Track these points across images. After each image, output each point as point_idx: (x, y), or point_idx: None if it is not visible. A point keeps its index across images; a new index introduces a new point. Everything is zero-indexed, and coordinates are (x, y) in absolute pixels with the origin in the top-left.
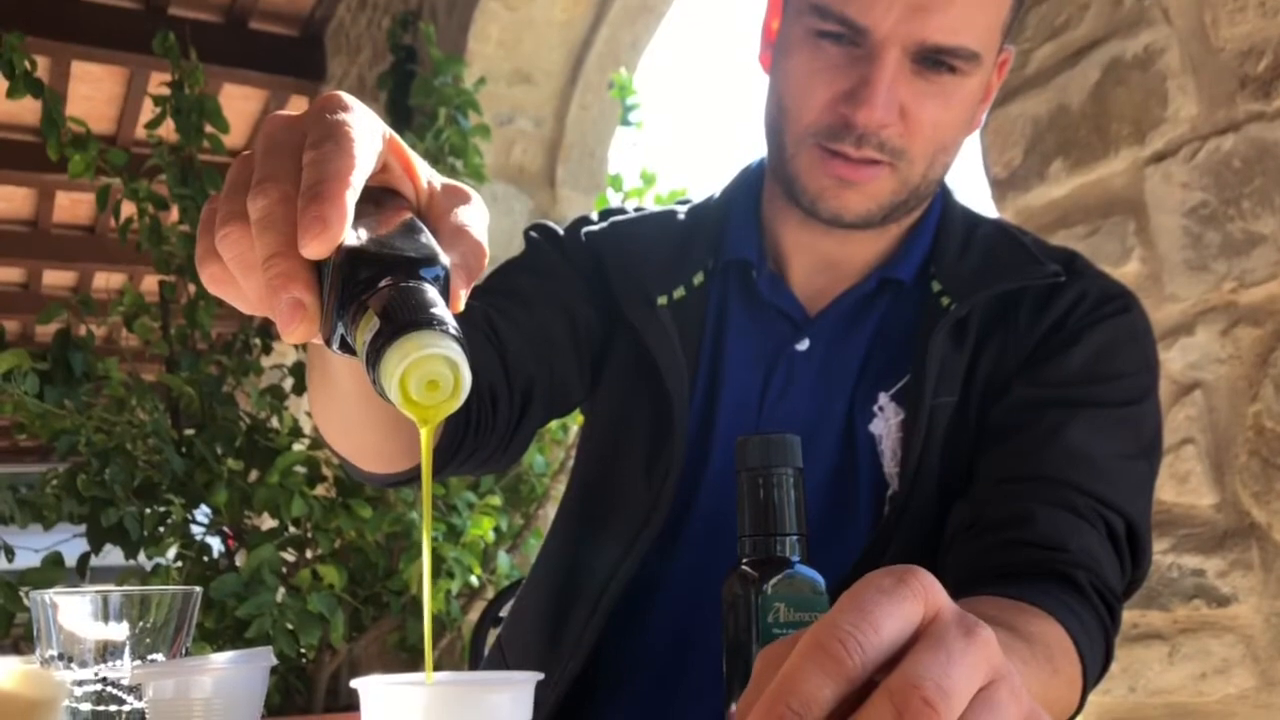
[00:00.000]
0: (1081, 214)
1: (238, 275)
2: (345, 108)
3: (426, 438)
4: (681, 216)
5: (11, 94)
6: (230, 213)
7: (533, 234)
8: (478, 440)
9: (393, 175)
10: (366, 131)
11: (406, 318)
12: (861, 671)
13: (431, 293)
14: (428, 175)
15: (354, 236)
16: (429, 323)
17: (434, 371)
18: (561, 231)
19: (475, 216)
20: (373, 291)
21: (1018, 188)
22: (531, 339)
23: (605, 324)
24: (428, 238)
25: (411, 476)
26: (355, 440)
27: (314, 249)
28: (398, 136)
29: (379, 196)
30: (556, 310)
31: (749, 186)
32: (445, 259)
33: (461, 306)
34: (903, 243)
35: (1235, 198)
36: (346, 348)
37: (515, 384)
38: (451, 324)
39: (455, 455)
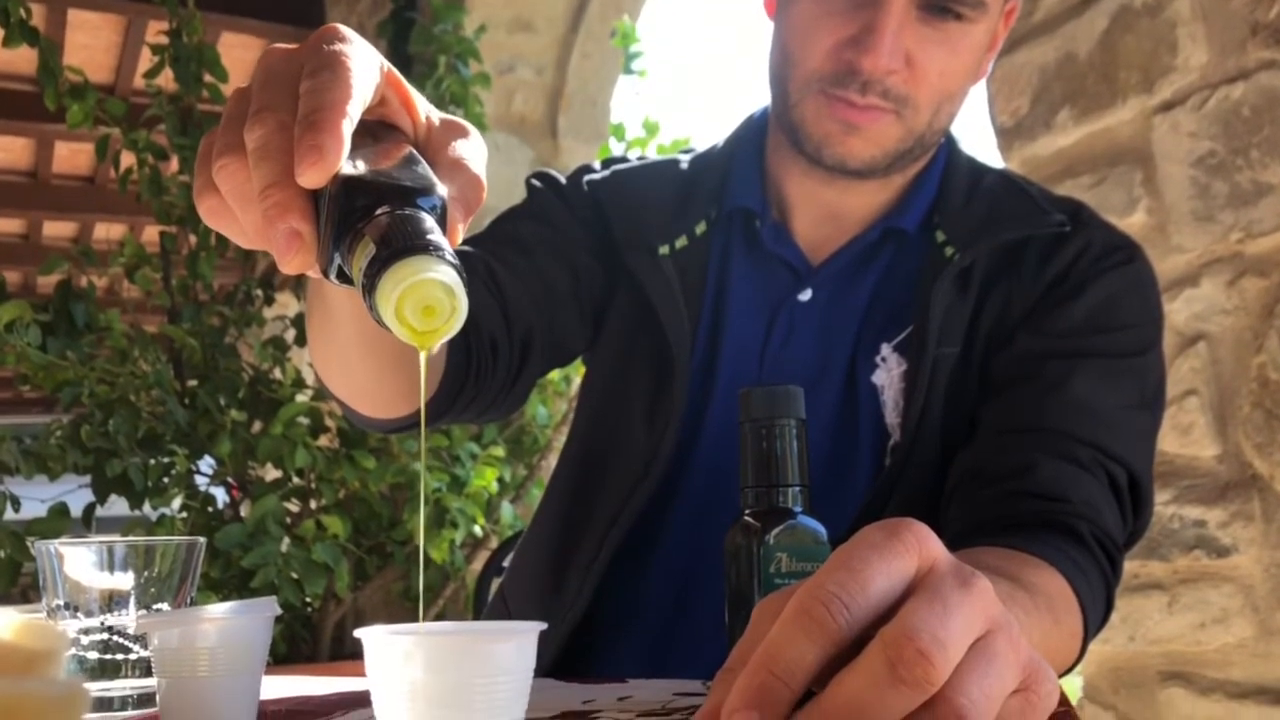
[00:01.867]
0: (1088, 164)
1: (235, 207)
2: (343, 39)
3: (424, 363)
4: (684, 166)
5: (8, 43)
6: (227, 144)
7: (535, 182)
8: (478, 387)
9: (391, 109)
10: (364, 63)
11: (402, 243)
12: (848, 632)
13: (428, 221)
14: (426, 110)
15: (351, 166)
16: (425, 248)
17: (430, 296)
18: (564, 180)
19: (473, 151)
20: (369, 220)
21: (1024, 137)
22: (531, 288)
23: (606, 274)
24: (425, 169)
25: (412, 422)
26: (354, 382)
27: (310, 177)
28: (396, 71)
29: (376, 130)
30: (558, 259)
31: (752, 136)
32: (442, 190)
33: (459, 239)
34: (907, 193)
35: (1244, 147)
36: (344, 278)
37: (515, 333)
38: (448, 251)
39: (455, 402)
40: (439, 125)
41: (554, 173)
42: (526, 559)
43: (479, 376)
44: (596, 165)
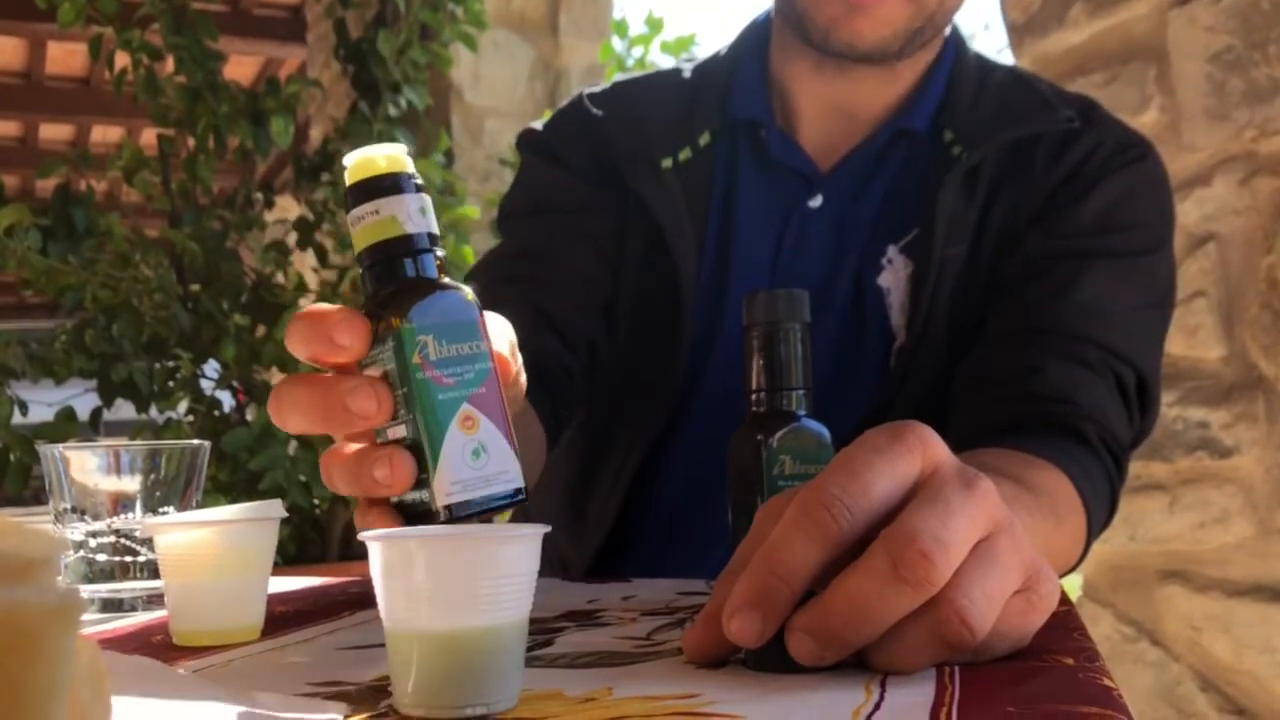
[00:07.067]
0: (1100, 61)
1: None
2: None
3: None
4: (687, 75)
5: None
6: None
7: (527, 155)
8: (570, 412)
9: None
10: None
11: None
12: (850, 533)
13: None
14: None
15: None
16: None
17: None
18: (555, 130)
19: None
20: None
21: (1035, 33)
22: (574, 296)
23: (618, 214)
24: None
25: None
26: None
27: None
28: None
29: None
30: (579, 244)
31: (755, 41)
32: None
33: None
34: (915, 91)
35: (1262, 42)
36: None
37: (580, 349)
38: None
39: (559, 438)
40: None
41: (545, 133)
42: (548, 482)
43: (568, 405)
44: (594, 88)
